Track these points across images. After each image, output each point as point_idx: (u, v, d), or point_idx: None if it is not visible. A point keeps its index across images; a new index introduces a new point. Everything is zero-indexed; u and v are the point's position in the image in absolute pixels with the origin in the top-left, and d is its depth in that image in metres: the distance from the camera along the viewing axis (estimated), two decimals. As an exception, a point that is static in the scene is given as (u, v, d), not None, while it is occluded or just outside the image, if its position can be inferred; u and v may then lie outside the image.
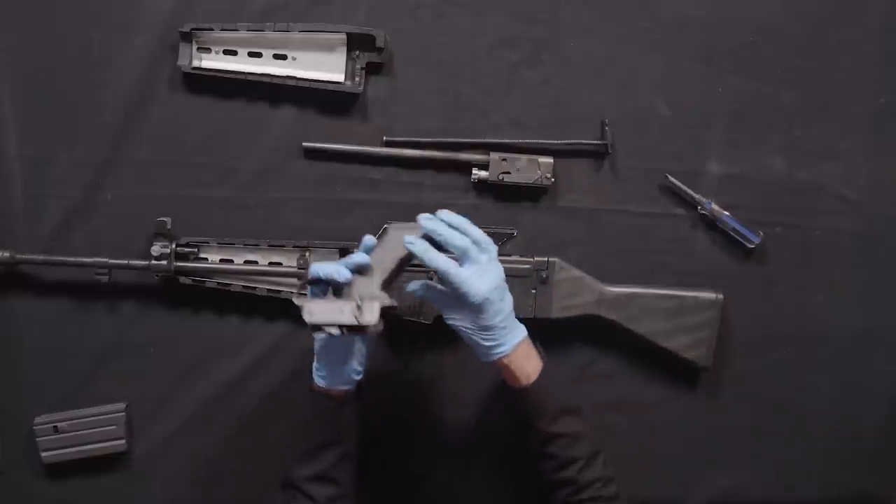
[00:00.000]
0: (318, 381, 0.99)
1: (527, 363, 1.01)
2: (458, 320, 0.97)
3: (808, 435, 1.24)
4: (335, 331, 0.89)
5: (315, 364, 1.00)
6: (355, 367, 0.99)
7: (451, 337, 1.07)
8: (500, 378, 1.04)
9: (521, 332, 1.01)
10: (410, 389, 1.19)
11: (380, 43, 1.12)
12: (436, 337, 1.15)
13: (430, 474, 1.20)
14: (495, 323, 0.97)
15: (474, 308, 0.95)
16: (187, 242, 1.12)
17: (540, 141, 1.17)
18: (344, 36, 1.13)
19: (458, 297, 0.95)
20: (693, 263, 1.20)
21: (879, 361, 1.24)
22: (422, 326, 1.13)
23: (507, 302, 0.99)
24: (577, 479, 1.00)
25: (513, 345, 0.99)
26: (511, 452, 1.08)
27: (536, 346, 1.03)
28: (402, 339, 1.17)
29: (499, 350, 0.99)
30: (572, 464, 1.01)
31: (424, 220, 0.97)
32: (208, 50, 1.13)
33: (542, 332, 1.13)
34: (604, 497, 1.01)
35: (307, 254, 1.13)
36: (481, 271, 0.96)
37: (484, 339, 0.98)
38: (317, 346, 0.98)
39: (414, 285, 0.98)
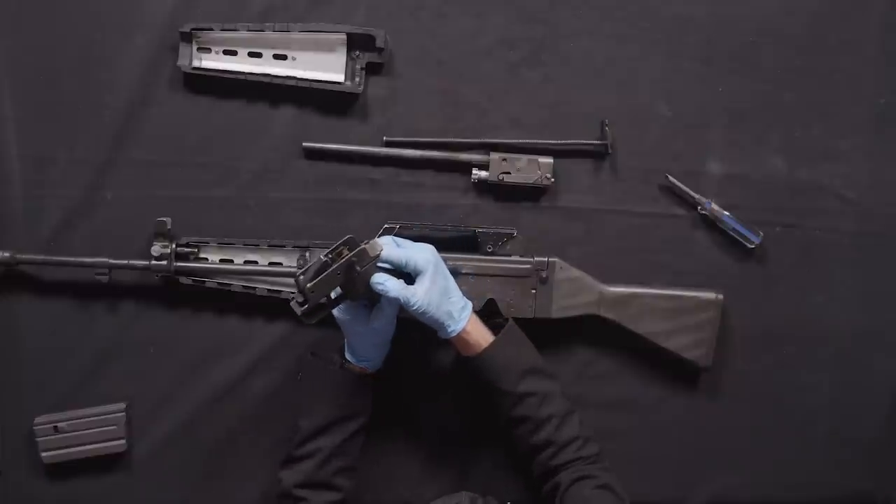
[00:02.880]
0: (358, 362, 1.05)
1: (482, 326, 1.05)
2: (422, 301, 0.98)
3: (808, 435, 1.24)
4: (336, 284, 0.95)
5: (349, 347, 1.05)
6: (387, 348, 1.07)
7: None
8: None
9: (468, 307, 1.05)
10: (412, 388, 1.19)
11: (380, 43, 1.12)
12: (436, 337, 1.15)
13: (433, 471, 1.20)
14: (449, 285, 1.02)
15: (424, 271, 0.99)
16: (187, 242, 1.12)
17: (540, 141, 1.17)
18: (344, 36, 1.13)
19: (413, 272, 0.99)
20: (693, 263, 1.20)
21: (879, 361, 1.24)
22: (422, 326, 1.12)
23: (447, 272, 1.03)
24: (555, 439, 1.02)
25: (466, 317, 1.03)
26: (511, 443, 1.09)
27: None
28: (404, 339, 1.16)
29: (464, 313, 1.02)
30: (547, 423, 1.03)
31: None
32: (208, 50, 1.13)
33: (542, 332, 1.13)
34: (584, 457, 1.03)
35: (307, 254, 1.13)
36: (412, 250, 1.01)
37: (450, 304, 1.01)
38: (357, 332, 1.02)
39: (375, 279, 0.98)
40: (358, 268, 0.95)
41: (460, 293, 1.04)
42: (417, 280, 0.99)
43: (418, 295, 0.98)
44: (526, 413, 1.03)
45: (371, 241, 0.96)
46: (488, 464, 1.20)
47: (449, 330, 1.02)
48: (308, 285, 0.93)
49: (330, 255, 0.94)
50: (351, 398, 1.05)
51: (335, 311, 1.00)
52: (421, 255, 1.00)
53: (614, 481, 1.01)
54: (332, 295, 0.98)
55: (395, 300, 0.97)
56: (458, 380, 1.18)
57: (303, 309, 0.95)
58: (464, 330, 1.02)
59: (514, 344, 1.06)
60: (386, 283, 0.96)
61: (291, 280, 1.11)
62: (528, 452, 1.05)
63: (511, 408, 1.04)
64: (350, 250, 0.95)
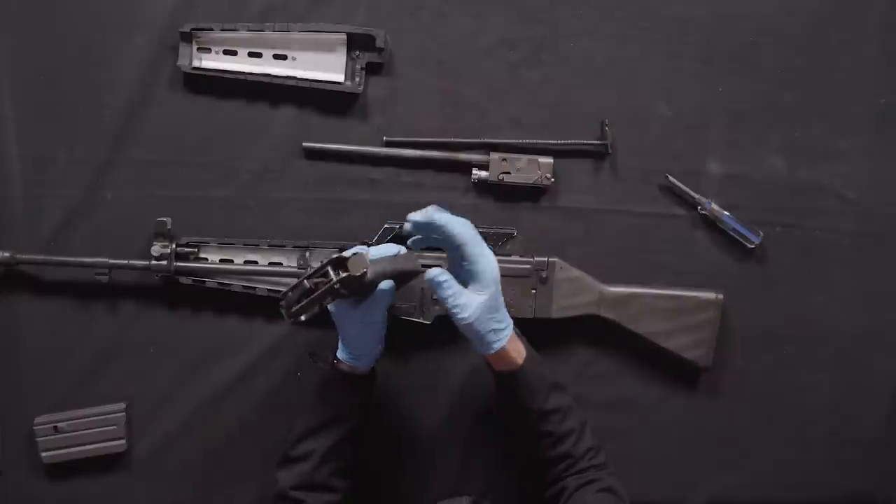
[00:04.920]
0: (349, 360, 1.03)
1: (518, 342, 1.02)
2: (471, 315, 0.95)
3: (808, 435, 1.24)
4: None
5: (341, 342, 1.03)
6: (379, 345, 1.04)
7: (452, 335, 1.07)
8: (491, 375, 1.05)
9: (509, 326, 1.01)
10: (412, 388, 1.19)
11: (380, 43, 1.12)
12: (436, 336, 1.15)
13: (432, 470, 1.20)
14: (500, 302, 0.98)
15: (488, 286, 0.96)
16: (187, 242, 1.12)
17: (540, 141, 1.17)
18: (344, 36, 1.13)
19: (472, 277, 0.96)
20: (693, 263, 1.20)
21: (879, 361, 1.24)
22: (422, 326, 1.13)
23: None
24: (573, 453, 1.02)
25: (505, 338, 1.00)
26: (512, 445, 1.09)
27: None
28: (403, 339, 1.17)
29: (506, 332, 0.99)
30: (567, 437, 1.02)
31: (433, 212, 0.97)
32: (208, 50, 1.13)
33: (542, 332, 1.13)
34: (595, 465, 1.03)
35: (307, 254, 1.13)
36: (486, 256, 0.97)
37: (495, 322, 0.98)
38: (348, 327, 1.01)
39: (434, 272, 0.95)
40: (343, 291, 0.92)
41: (505, 310, 1.01)
42: (475, 290, 0.96)
43: (472, 307, 0.95)
44: (550, 429, 1.02)
45: (356, 257, 0.92)
46: (488, 465, 1.20)
47: (491, 347, 0.99)
48: (292, 309, 0.92)
49: (313, 281, 0.92)
50: (342, 398, 1.04)
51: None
52: (490, 264, 0.97)
53: (617, 484, 1.02)
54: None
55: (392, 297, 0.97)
56: (459, 381, 1.18)
57: (292, 321, 0.93)
58: (502, 350, 0.99)
59: (536, 361, 1.04)
60: (447, 286, 0.94)
61: (291, 280, 1.12)
62: (543, 463, 1.04)
63: (536, 424, 1.02)
64: (335, 269, 0.91)
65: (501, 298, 0.99)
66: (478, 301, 0.95)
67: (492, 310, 0.97)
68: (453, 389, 1.19)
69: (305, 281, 0.92)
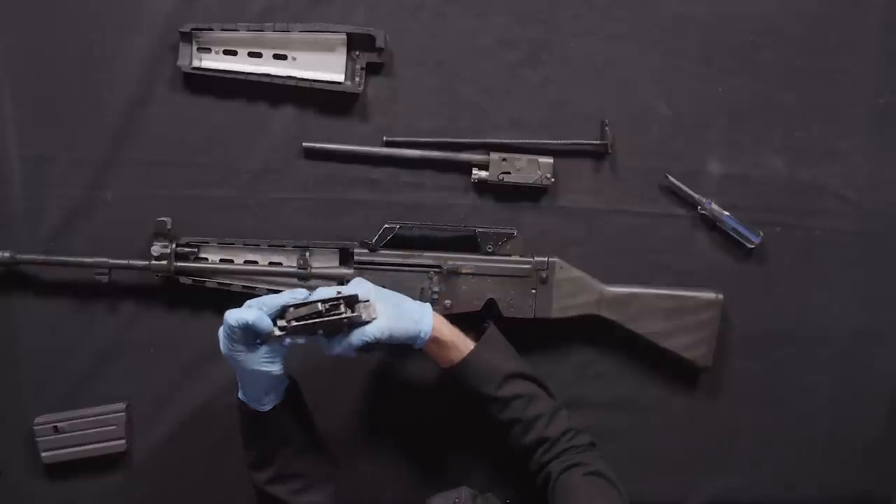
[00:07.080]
0: (252, 404, 0.98)
1: (453, 333, 1.02)
2: (373, 333, 0.95)
3: (808, 435, 1.24)
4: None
5: (243, 391, 0.98)
6: (273, 389, 0.99)
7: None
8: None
9: (427, 306, 1.02)
10: (414, 383, 1.19)
11: (380, 43, 1.12)
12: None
13: (433, 471, 1.20)
14: (399, 304, 0.99)
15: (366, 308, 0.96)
16: (187, 242, 1.12)
17: (540, 141, 1.17)
18: (344, 36, 1.13)
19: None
20: (693, 263, 1.20)
21: (879, 361, 1.24)
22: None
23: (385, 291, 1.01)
24: (547, 436, 1.02)
25: (429, 314, 1.00)
26: (508, 448, 1.09)
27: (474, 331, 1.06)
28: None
29: (426, 323, 0.99)
30: (537, 421, 1.03)
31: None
32: (208, 50, 1.13)
33: (542, 332, 1.13)
34: (577, 446, 1.03)
35: (307, 254, 1.13)
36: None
37: (404, 321, 0.98)
38: (244, 370, 0.96)
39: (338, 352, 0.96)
40: (346, 329, 0.95)
41: (411, 300, 1.02)
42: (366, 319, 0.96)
43: (370, 330, 0.95)
44: (514, 416, 1.03)
45: (368, 306, 0.95)
46: (488, 463, 1.20)
47: (418, 340, 0.99)
48: (294, 324, 0.93)
49: (326, 306, 0.93)
50: (268, 433, 1.00)
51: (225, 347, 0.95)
52: (357, 288, 0.97)
53: (606, 467, 1.01)
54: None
55: (360, 342, 0.95)
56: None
57: (279, 334, 0.93)
58: (436, 329, 1.00)
59: (493, 349, 1.05)
60: (359, 335, 0.95)
61: (291, 280, 1.12)
62: (523, 453, 1.05)
63: (499, 412, 1.04)
64: (347, 306, 0.94)
65: (396, 296, 1.00)
66: (368, 324, 0.95)
67: (388, 317, 0.97)
68: (453, 390, 1.18)
69: (319, 303, 0.93)
